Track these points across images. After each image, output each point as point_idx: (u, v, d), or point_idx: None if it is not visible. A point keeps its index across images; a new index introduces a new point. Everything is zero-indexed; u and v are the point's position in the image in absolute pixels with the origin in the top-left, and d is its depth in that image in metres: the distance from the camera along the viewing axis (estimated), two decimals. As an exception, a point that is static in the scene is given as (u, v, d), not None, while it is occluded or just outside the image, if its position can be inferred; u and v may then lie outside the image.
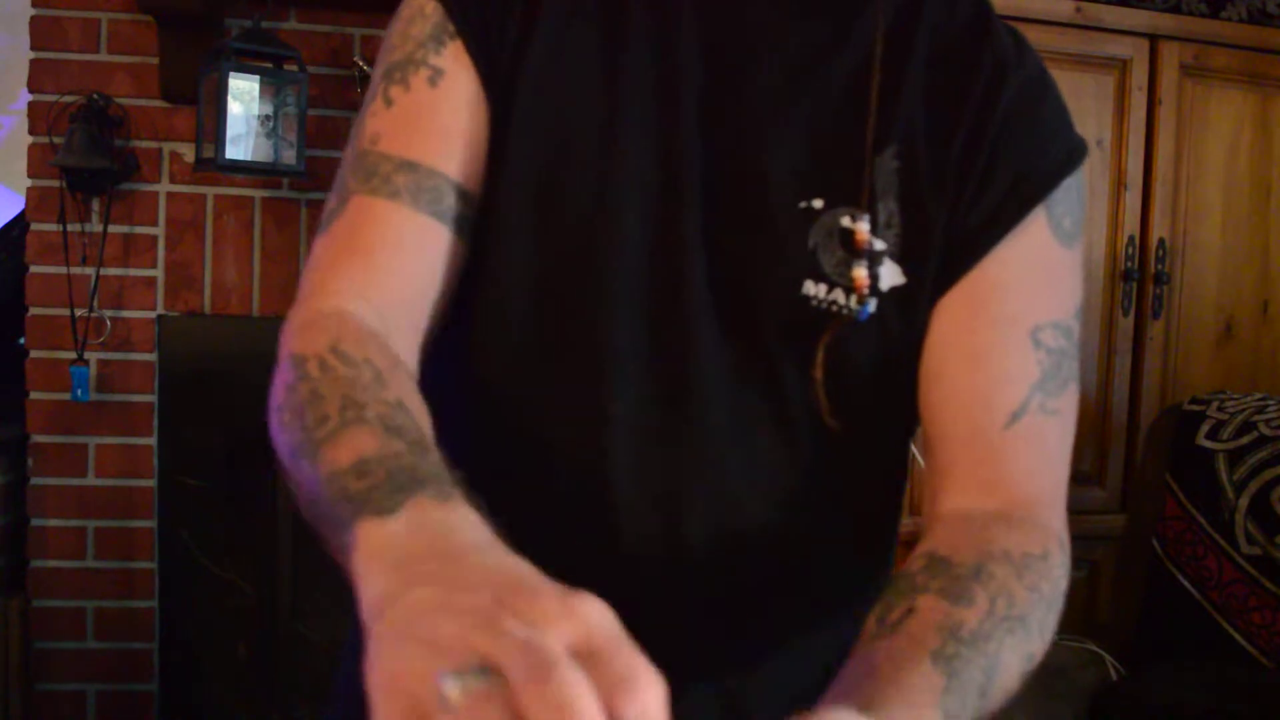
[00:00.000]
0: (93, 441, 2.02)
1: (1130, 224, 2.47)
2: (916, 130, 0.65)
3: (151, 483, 2.04)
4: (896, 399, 0.68)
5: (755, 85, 0.66)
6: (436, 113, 0.66)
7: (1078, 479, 2.48)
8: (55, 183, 1.96)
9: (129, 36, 2.00)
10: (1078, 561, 2.52)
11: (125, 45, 2.00)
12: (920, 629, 0.54)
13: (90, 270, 1.98)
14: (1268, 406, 1.76)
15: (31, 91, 1.99)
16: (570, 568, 0.43)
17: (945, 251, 0.65)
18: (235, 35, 1.92)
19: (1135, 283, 2.47)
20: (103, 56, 2.00)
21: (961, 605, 0.55)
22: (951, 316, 0.65)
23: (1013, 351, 0.64)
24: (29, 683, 2.00)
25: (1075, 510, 2.38)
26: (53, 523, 2.01)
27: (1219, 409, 1.80)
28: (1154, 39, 2.45)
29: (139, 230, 2.02)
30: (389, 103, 0.67)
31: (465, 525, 0.45)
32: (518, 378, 0.67)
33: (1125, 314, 2.48)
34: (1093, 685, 1.67)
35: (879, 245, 0.63)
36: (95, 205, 1.99)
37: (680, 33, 0.66)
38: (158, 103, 2.01)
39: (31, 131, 1.99)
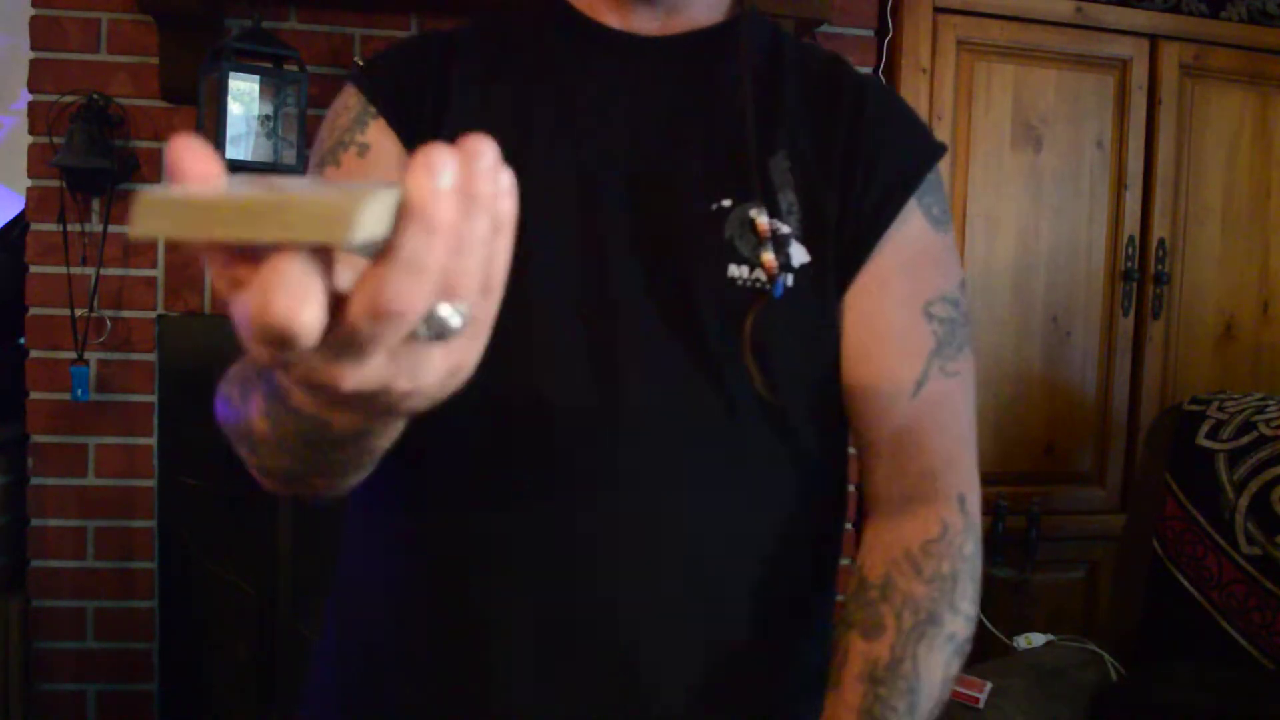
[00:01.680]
0: (93, 441, 2.01)
1: (1130, 224, 2.47)
2: (800, 138, 0.76)
3: (151, 483, 2.04)
4: (821, 375, 0.75)
5: (652, 117, 0.76)
6: (365, 176, 0.75)
7: (1078, 479, 2.49)
8: (55, 183, 1.96)
9: (129, 36, 2.00)
10: (1078, 562, 2.51)
11: (125, 45, 2.00)
12: (848, 688, 0.69)
13: (90, 270, 1.98)
14: (1268, 406, 1.76)
15: (31, 91, 1.99)
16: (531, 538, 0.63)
17: (842, 246, 0.74)
18: (235, 35, 1.92)
19: (1135, 283, 2.47)
20: (103, 56, 2.00)
21: (873, 638, 0.69)
22: (857, 309, 0.75)
23: (910, 328, 0.75)
24: (29, 683, 2.00)
25: (1075, 510, 2.38)
26: (53, 523, 2.01)
27: (1219, 409, 1.80)
28: (1154, 39, 2.45)
29: (139, 230, 2.02)
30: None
31: None
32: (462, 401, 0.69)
33: (1125, 314, 2.48)
34: (1093, 685, 1.67)
35: (784, 229, 0.73)
36: (95, 205, 1.99)
37: (581, 82, 0.77)
38: (158, 103, 2.01)
39: (31, 131, 1.99)
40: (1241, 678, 1.58)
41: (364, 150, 0.76)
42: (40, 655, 2.01)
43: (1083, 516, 2.45)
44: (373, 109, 0.77)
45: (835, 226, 0.74)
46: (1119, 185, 2.46)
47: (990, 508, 2.24)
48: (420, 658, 0.74)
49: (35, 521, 2.01)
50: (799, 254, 0.73)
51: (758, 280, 0.72)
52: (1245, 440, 1.71)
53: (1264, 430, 1.71)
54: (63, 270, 1.98)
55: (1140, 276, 2.47)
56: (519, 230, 0.63)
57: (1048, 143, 2.41)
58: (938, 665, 0.69)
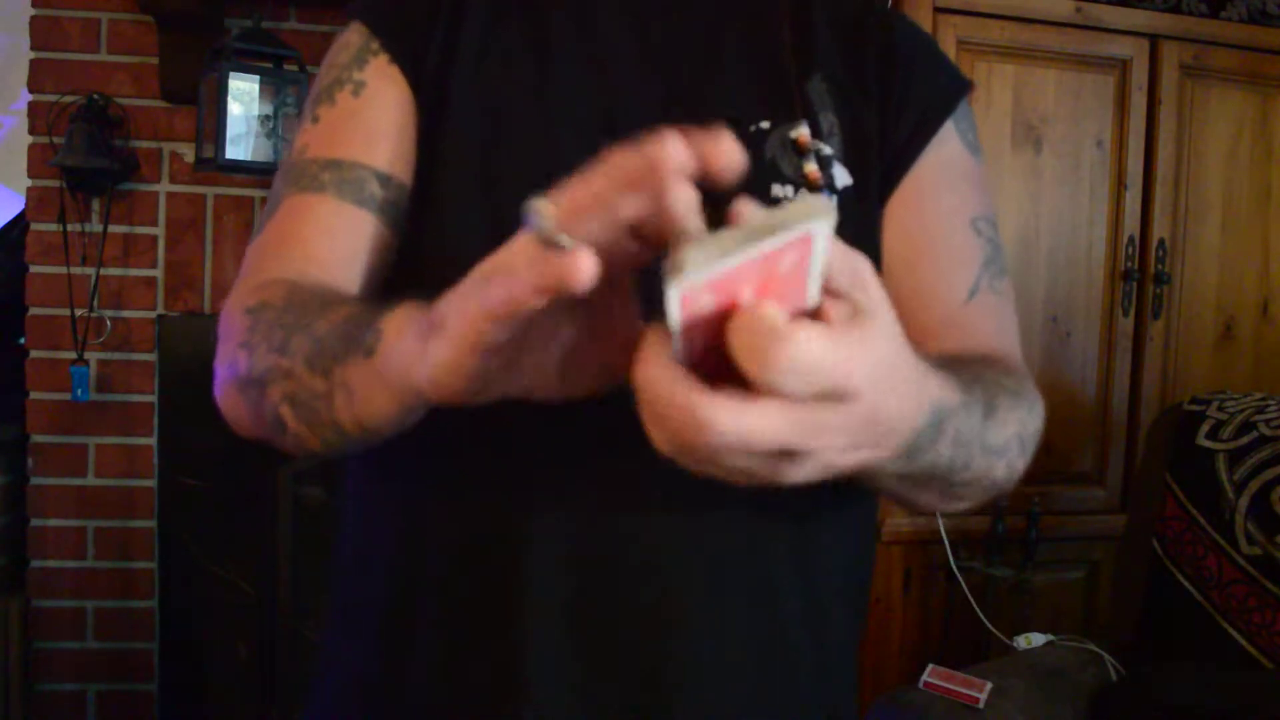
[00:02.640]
0: (93, 441, 2.02)
1: (1130, 224, 2.47)
2: (834, 61, 0.75)
3: (151, 483, 2.04)
4: None
5: (680, 38, 0.73)
6: (359, 116, 0.73)
7: (1078, 479, 2.49)
8: (55, 183, 1.96)
9: (129, 36, 2.00)
10: (1078, 562, 2.51)
11: (125, 45, 2.00)
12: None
13: (90, 270, 1.98)
14: (1268, 406, 1.76)
15: (31, 91, 1.99)
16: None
17: (883, 165, 0.73)
18: (235, 35, 1.92)
19: (1135, 283, 2.47)
20: (103, 56, 2.00)
21: (954, 363, 0.59)
22: (899, 219, 0.73)
23: (959, 238, 0.74)
24: (29, 683, 2.01)
25: (1075, 510, 2.38)
26: (53, 523, 2.01)
27: (1219, 409, 1.80)
28: (1154, 39, 2.45)
29: (139, 230, 2.02)
30: (316, 120, 0.75)
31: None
32: None
33: (1125, 314, 2.48)
34: (1093, 685, 1.67)
35: (826, 150, 0.71)
36: (95, 205, 1.99)
37: (602, 5, 0.74)
38: (158, 103, 2.01)
39: (31, 131, 1.99)
40: (1241, 678, 1.58)
41: (359, 88, 0.74)
42: (40, 655, 2.01)
43: (1083, 516, 2.45)
44: (374, 44, 0.75)
45: (876, 147, 0.73)
46: (1119, 185, 2.46)
47: (990, 507, 2.24)
48: (445, 649, 0.70)
49: (35, 521, 2.01)
50: (841, 175, 0.71)
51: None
52: (1245, 440, 1.71)
53: (1264, 430, 1.71)
54: (63, 270, 1.98)
55: (1140, 276, 2.47)
56: (547, 167, 0.62)
57: (1048, 142, 2.41)
58: (1012, 427, 0.61)
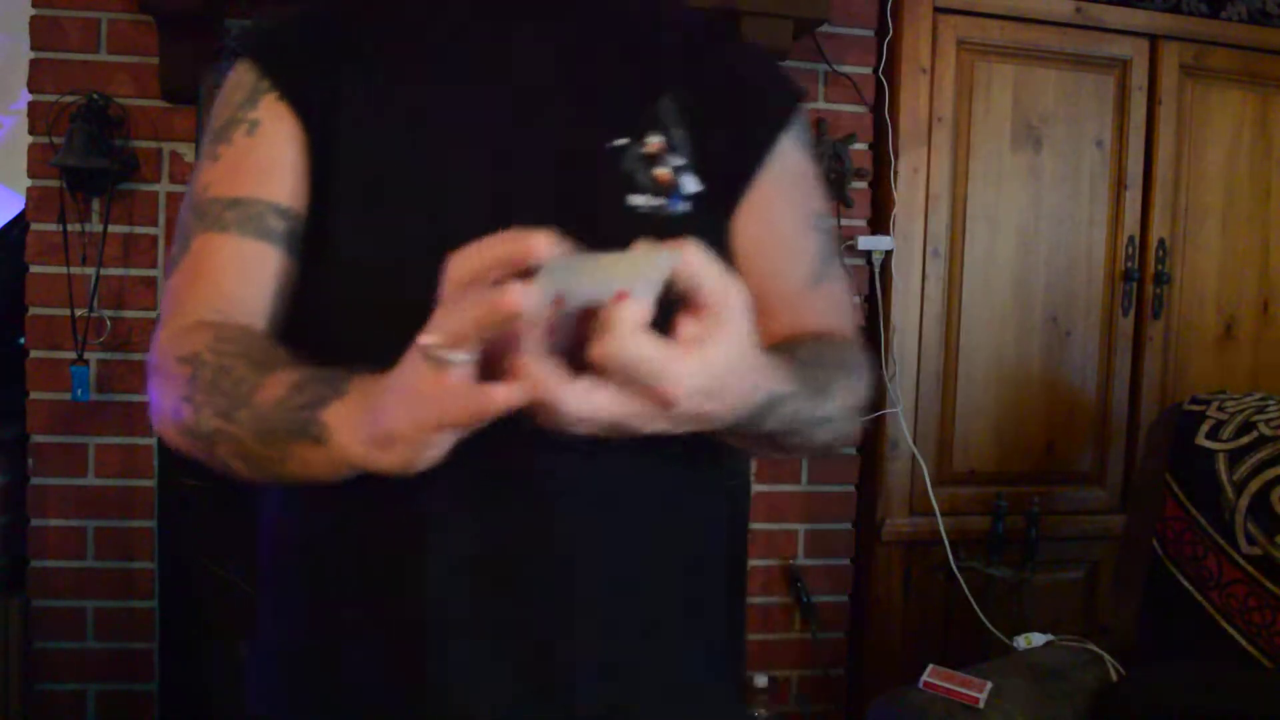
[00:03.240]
0: (93, 441, 2.02)
1: (1130, 224, 2.47)
2: (681, 82, 0.82)
3: (151, 483, 2.04)
4: None
5: (542, 70, 0.81)
6: (255, 153, 0.79)
7: (1078, 479, 2.49)
8: (55, 183, 1.96)
9: (129, 36, 2.00)
10: (1078, 562, 2.51)
11: (125, 45, 2.00)
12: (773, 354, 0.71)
13: (90, 270, 1.98)
14: (1268, 406, 1.76)
15: (31, 91, 1.99)
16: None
17: (730, 174, 0.82)
18: (235, 35, 1.92)
19: (1135, 283, 2.47)
20: (103, 56, 2.00)
21: (792, 351, 0.73)
22: (749, 223, 0.83)
23: (802, 233, 0.86)
24: (29, 683, 2.01)
25: (1075, 510, 2.38)
26: (53, 523, 2.01)
27: (1219, 409, 1.80)
28: (1154, 39, 2.45)
29: (139, 230, 2.02)
30: (216, 159, 0.80)
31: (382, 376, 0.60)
32: (378, 337, 0.70)
33: (1125, 314, 2.48)
34: (1093, 685, 1.67)
35: (677, 160, 0.79)
36: (95, 205, 1.99)
37: (473, 38, 0.81)
38: (158, 103, 2.01)
39: (31, 131, 1.99)
40: (1241, 678, 1.58)
41: (254, 127, 0.79)
42: (40, 655, 2.01)
43: (1083, 516, 2.45)
44: (264, 83, 0.80)
45: (724, 159, 0.82)
46: (1119, 185, 2.46)
47: (990, 508, 2.24)
48: (364, 640, 0.77)
49: (35, 521, 2.01)
50: (692, 183, 0.79)
51: (657, 206, 0.78)
52: (1245, 440, 1.71)
53: (1264, 430, 1.71)
54: (63, 270, 1.98)
55: (1140, 276, 2.47)
56: (429, 183, 0.77)
57: (1048, 143, 2.42)
58: (843, 397, 0.77)
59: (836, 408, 0.76)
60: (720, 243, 0.81)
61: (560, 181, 0.78)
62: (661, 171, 0.78)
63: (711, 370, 0.56)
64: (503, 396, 0.53)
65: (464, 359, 0.53)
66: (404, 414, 0.57)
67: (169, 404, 0.71)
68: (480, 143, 0.79)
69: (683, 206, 0.79)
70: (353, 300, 0.76)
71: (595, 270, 0.52)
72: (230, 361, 0.69)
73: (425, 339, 0.54)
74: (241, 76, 0.82)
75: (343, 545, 0.77)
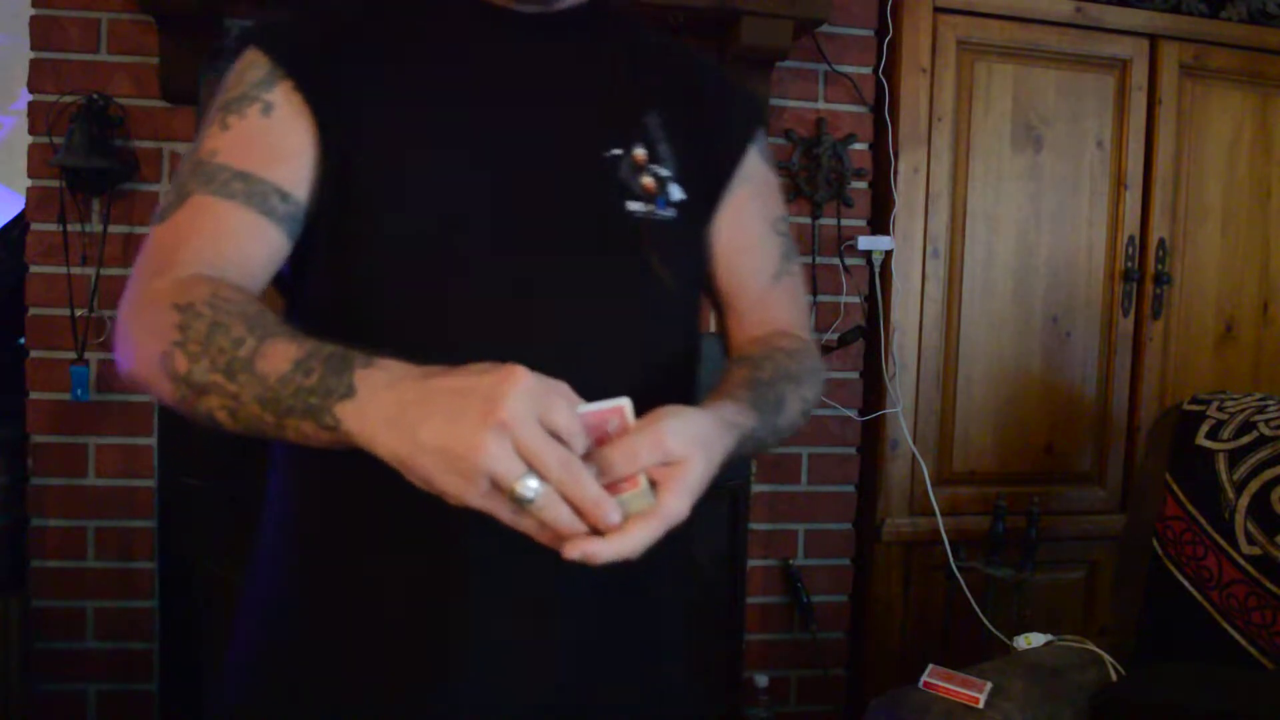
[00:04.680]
0: (93, 441, 2.02)
1: (1130, 224, 2.47)
2: (663, 98, 0.93)
3: (151, 483, 2.04)
4: (696, 274, 0.96)
5: (546, 82, 0.89)
6: (268, 134, 0.82)
7: (1078, 479, 2.49)
8: (55, 183, 1.96)
9: (129, 36, 2.00)
10: (1078, 562, 2.50)
11: (125, 45, 2.00)
12: (730, 382, 0.86)
13: (90, 270, 1.98)
14: (1268, 406, 1.76)
15: (31, 91, 1.99)
16: None
17: (707, 184, 0.93)
18: (235, 35, 1.92)
19: (1135, 283, 2.48)
20: (103, 56, 2.00)
21: (756, 370, 0.88)
22: (723, 228, 0.95)
23: (765, 238, 0.99)
24: (29, 683, 2.01)
25: (1075, 510, 2.38)
26: (53, 523, 2.01)
27: (1219, 409, 1.80)
28: (1154, 39, 2.45)
29: (139, 230, 2.02)
30: (225, 127, 0.83)
31: (397, 369, 0.67)
32: (405, 336, 0.77)
33: (1125, 314, 2.48)
34: (1093, 685, 1.67)
35: (663, 172, 0.89)
36: (95, 205, 1.99)
37: (476, 56, 0.88)
38: (158, 103, 2.01)
39: (31, 131, 1.99)
40: (1241, 678, 1.58)
41: (269, 109, 0.83)
42: (40, 655, 2.01)
43: (1083, 516, 2.45)
44: (279, 73, 0.83)
45: (701, 171, 0.92)
46: (1119, 185, 2.46)
47: (990, 508, 2.24)
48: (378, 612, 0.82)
49: (35, 521, 2.01)
50: (677, 192, 0.89)
51: (650, 211, 0.87)
52: (1245, 440, 1.71)
53: (1264, 430, 1.71)
54: (63, 270, 1.98)
55: (1140, 276, 2.47)
56: (436, 193, 0.83)
57: (1048, 143, 2.42)
58: (795, 405, 0.89)
59: (790, 418, 0.88)
60: (700, 245, 0.94)
61: (565, 184, 0.86)
62: (647, 180, 0.88)
63: (695, 486, 0.70)
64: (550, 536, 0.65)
65: (534, 487, 0.62)
66: (450, 478, 0.62)
67: (154, 347, 0.72)
68: (491, 147, 0.84)
69: (669, 212, 0.88)
70: (372, 295, 0.81)
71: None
72: (226, 319, 0.71)
73: (522, 483, 0.61)
74: (255, 60, 0.85)
75: (374, 544, 0.82)
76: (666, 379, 0.89)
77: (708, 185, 0.94)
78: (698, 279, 0.97)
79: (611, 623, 0.85)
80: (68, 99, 1.95)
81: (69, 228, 1.97)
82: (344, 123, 0.83)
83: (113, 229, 2.00)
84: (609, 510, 0.64)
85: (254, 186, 0.80)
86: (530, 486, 0.61)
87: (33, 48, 1.98)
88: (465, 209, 0.83)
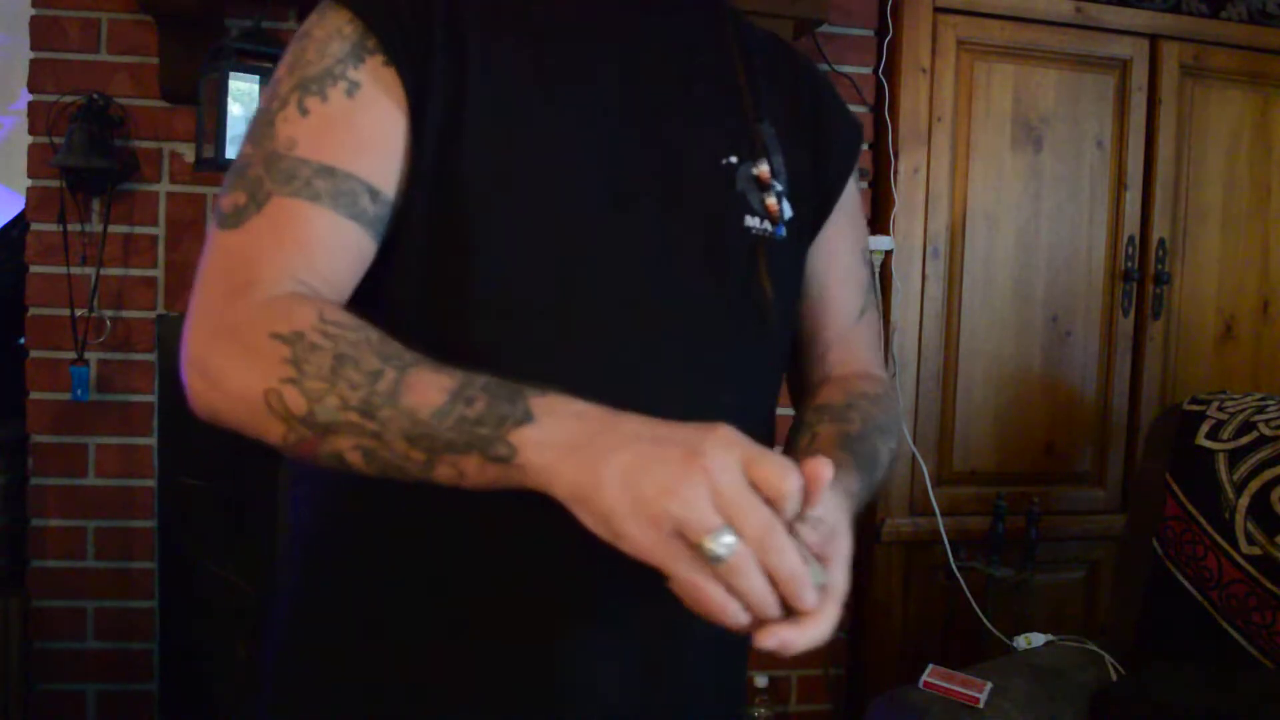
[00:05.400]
0: (93, 441, 2.02)
1: (1130, 224, 2.47)
2: (776, 107, 0.86)
3: (151, 483, 2.04)
4: (793, 304, 0.90)
5: (659, 83, 0.81)
6: (353, 122, 0.72)
7: (1078, 479, 2.49)
8: (55, 183, 1.96)
9: (129, 36, 2.00)
10: (1078, 562, 2.51)
11: (125, 45, 2.00)
12: (825, 441, 0.79)
13: (90, 270, 1.98)
14: (1268, 406, 1.76)
15: (31, 91, 1.99)
16: None
17: (812, 205, 0.87)
18: (235, 35, 1.92)
19: (1135, 283, 2.47)
20: (103, 56, 2.00)
21: (845, 424, 0.82)
22: (821, 249, 0.90)
23: (856, 268, 0.94)
24: (29, 683, 2.01)
25: (1075, 510, 2.39)
26: (53, 523, 2.01)
27: (1219, 409, 1.80)
28: (1154, 39, 2.45)
29: (139, 230, 2.02)
30: (305, 112, 0.72)
31: (578, 401, 0.60)
32: (520, 340, 0.73)
33: (1125, 314, 2.48)
34: (1093, 685, 1.67)
35: (779, 186, 0.82)
36: (95, 205, 1.99)
37: (588, 41, 0.80)
38: (158, 103, 2.01)
39: (31, 131, 1.99)
40: (1241, 678, 1.58)
41: (354, 90, 0.72)
42: (40, 655, 2.01)
43: (1083, 516, 2.45)
44: (370, 42, 0.73)
45: (810, 186, 0.86)
46: (1119, 185, 2.46)
47: (990, 508, 2.24)
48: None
49: (35, 521, 2.01)
50: (787, 209, 0.83)
51: (765, 230, 0.81)
52: (1245, 440, 1.71)
53: (1264, 430, 1.71)
54: (63, 270, 1.98)
55: (1140, 276, 2.47)
56: (551, 185, 0.76)
57: (1048, 143, 2.42)
58: (885, 455, 0.84)
59: (884, 464, 0.83)
60: (800, 266, 0.88)
61: (681, 192, 0.78)
62: (770, 201, 0.81)
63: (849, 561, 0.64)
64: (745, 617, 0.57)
65: (729, 544, 0.54)
66: (633, 523, 0.55)
67: (253, 384, 0.63)
68: (601, 146, 0.76)
69: (784, 232, 0.82)
70: (485, 300, 0.73)
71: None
72: (351, 350, 0.63)
73: (716, 539, 0.54)
74: (339, 24, 0.74)
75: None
76: (766, 417, 0.86)
77: (814, 207, 0.88)
78: (793, 312, 0.90)
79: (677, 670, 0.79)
80: (68, 99, 1.95)
81: (69, 228, 1.97)
82: (446, 108, 0.73)
83: (113, 229, 2.00)
84: (807, 589, 0.56)
85: (341, 185, 0.70)
86: (725, 543, 0.53)
87: (33, 48, 1.98)
88: (584, 213, 0.75)
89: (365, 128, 0.72)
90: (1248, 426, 1.73)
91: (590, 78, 0.78)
